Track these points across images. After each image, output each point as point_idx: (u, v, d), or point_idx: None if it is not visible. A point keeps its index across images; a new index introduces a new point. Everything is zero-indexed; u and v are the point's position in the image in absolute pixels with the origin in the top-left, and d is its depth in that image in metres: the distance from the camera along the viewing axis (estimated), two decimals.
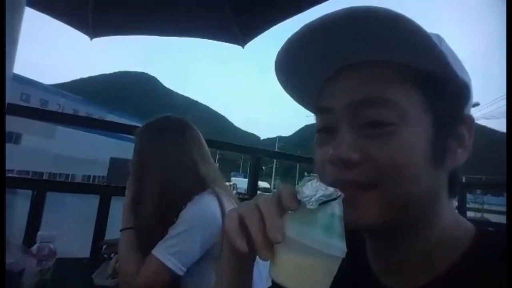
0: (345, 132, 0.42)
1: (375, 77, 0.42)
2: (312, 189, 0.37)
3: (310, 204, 0.37)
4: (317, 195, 0.37)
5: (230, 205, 1.12)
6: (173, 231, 1.03)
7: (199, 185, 1.12)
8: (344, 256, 0.36)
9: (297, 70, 0.47)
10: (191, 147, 1.17)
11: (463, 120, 0.44)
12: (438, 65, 0.40)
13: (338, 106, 0.43)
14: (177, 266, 0.99)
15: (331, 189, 0.37)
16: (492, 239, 0.44)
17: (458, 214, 0.47)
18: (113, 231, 1.78)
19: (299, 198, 0.38)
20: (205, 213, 1.05)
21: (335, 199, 0.37)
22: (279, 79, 0.50)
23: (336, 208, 0.37)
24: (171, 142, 1.16)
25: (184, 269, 1.00)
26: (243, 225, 0.40)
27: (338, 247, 0.36)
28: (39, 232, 1.08)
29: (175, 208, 1.08)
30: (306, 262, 0.36)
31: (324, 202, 0.37)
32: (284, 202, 0.39)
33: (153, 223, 1.08)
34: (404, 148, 0.40)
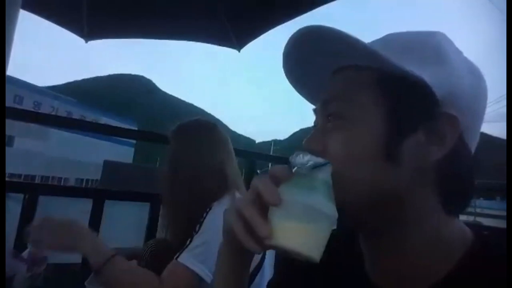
0: (316, 128, 0.49)
1: (341, 80, 0.48)
2: (305, 159, 0.41)
3: (304, 170, 0.40)
4: (309, 164, 0.40)
5: None
6: (198, 239, 1.03)
7: (221, 190, 1.14)
8: (336, 221, 0.38)
9: (299, 76, 0.54)
10: (219, 149, 1.21)
11: (440, 117, 0.43)
12: (384, 65, 0.42)
13: (317, 107, 0.50)
14: (205, 273, 0.99)
15: (320, 159, 0.41)
16: (490, 243, 0.44)
17: (455, 218, 0.47)
18: (106, 236, 1.76)
19: (293, 170, 0.41)
20: None
21: (325, 164, 0.41)
22: (288, 80, 0.55)
23: (327, 174, 0.40)
24: (200, 146, 1.19)
25: (211, 276, 1.00)
26: (243, 219, 0.41)
27: (332, 208, 0.38)
28: None
29: (198, 215, 1.08)
30: (302, 220, 0.37)
31: (316, 167, 0.40)
32: (277, 174, 0.41)
33: (184, 230, 1.09)
34: (353, 141, 0.43)
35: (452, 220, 0.46)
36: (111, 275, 0.99)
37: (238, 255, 0.50)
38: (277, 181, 0.41)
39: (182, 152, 1.20)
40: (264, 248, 0.39)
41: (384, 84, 0.44)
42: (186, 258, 1.00)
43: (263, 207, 0.40)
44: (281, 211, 0.38)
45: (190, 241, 1.03)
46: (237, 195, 1.15)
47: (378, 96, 0.44)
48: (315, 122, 0.51)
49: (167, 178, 1.20)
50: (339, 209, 0.39)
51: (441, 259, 0.43)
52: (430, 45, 0.46)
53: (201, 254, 1.00)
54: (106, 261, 0.97)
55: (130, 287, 1.01)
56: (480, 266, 0.41)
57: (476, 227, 0.47)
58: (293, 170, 0.41)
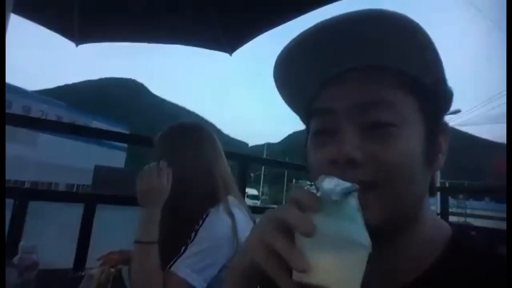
0: (348, 132, 0.42)
1: (377, 81, 0.43)
2: (332, 183, 0.37)
3: (334, 196, 0.36)
4: (338, 189, 0.36)
5: (243, 216, 1.11)
6: (193, 248, 1.00)
7: (214, 194, 1.11)
8: (371, 250, 0.35)
9: (295, 72, 0.47)
10: (205, 153, 1.16)
11: (442, 128, 0.47)
12: (433, 75, 0.43)
13: (340, 107, 0.44)
14: (199, 282, 0.97)
15: (348, 183, 0.37)
16: (468, 239, 0.46)
17: (435, 215, 0.49)
18: (97, 240, 1.74)
19: (318, 195, 0.37)
20: (223, 231, 1.03)
21: (355, 190, 0.37)
22: (276, 80, 0.50)
23: (357, 200, 0.37)
24: (186, 149, 1.15)
25: (205, 285, 0.98)
26: (273, 253, 0.36)
27: (368, 237, 0.35)
28: (21, 243, 1.05)
29: (191, 221, 1.05)
30: (339, 252, 0.33)
31: (347, 194, 0.36)
32: (305, 201, 0.37)
33: (170, 236, 1.06)
34: (404, 148, 0.41)
35: (434, 216, 0.49)
36: (140, 255, 1.00)
37: (256, 284, 0.44)
38: (303, 208, 0.36)
39: (165, 156, 1.15)
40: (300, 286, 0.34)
41: (420, 90, 0.44)
42: (179, 268, 0.96)
43: (290, 237, 0.36)
44: (314, 243, 0.34)
45: (185, 250, 1.00)
46: (231, 199, 1.12)
47: (416, 102, 0.44)
48: (323, 124, 0.46)
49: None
50: (371, 231, 0.35)
51: (425, 254, 0.44)
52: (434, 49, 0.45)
53: (195, 264, 0.97)
54: (147, 242, 1.00)
55: (143, 276, 0.99)
56: (455, 262, 0.42)
57: (463, 227, 0.49)
58: (318, 194, 0.37)
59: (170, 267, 0.97)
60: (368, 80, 0.43)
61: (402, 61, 0.42)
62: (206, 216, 1.05)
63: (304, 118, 0.54)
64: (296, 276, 0.34)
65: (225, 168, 1.22)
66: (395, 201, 0.41)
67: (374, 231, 0.35)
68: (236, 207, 1.11)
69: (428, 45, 0.41)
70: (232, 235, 1.03)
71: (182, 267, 0.97)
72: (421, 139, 0.43)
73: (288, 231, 0.36)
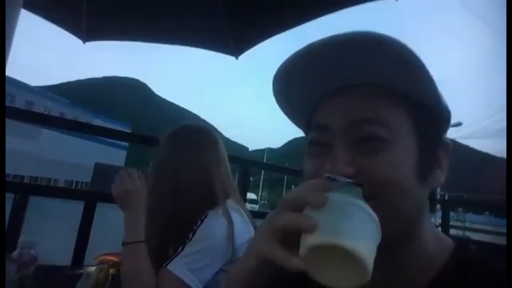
0: (341, 148, 0.44)
1: (369, 99, 0.45)
2: (340, 178, 0.40)
3: (346, 181, 0.39)
4: (348, 180, 0.40)
5: (241, 221, 1.12)
6: (190, 247, 1.00)
7: (213, 198, 1.11)
8: (380, 236, 0.35)
9: (294, 88, 0.49)
10: (205, 156, 1.17)
11: (442, 145, 0.48)
12: (426, 92, 0.44)
13: (334, 125, 0.46)
14: (195, 283, 0.96)
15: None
16: (470, 254, 0.46)
17: (437, 229, 0.50)
18: (96, 238, 1.74)
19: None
20: (221, 233, 1.04)
21: (360, 186, 0.39)
22: (275, 94, 0.51)
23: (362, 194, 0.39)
24: (185, 152, 1.15)
25: (201, 286, 0.98)
26: (279, 234, 0.37)
27: (377, 218, 0.35)
28: (20, 238, 1.05)
29: (189, 222, 1.06)
30: (352, 217, 0.34)
31: (356, 184, 0.39)
32: (320, 184, 0.39)
33: (168, 237, 1.07)
34: (396, 162, 0.42)
35: (436, 231, 0.49)
36: (127, 256, 1.03)
37: (262, 281, 0.43)
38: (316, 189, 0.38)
39: (167, 157, 1.17)
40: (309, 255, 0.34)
41: (413, 107, 0.45)
42: (176, 266, 0.97)
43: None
44: (325, 212, 0.34)
45: (182, 249, 1.00)
46: (230, 203, 1.12)
47: (409, 120, 0.45)
48: (318, 138, 0.48)
49: (149, 185, 1.16)
50: None
51: (426, 268, 0.45)
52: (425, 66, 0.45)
53: (192, 263, 0.97)
54: (134, 242, 1.03)
55: (133, 275, 1.01)
56: (457, 276, 0.43)
57: (463, 241, 0.49)
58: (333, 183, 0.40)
59: (166, 265, 0.98)
60: (360, 98, 0.45)
61: (396, 80, 0.44)
62: (205, 217, 1.05)
63: (303, 130, 0.56)
64: (305, 245, 0.34)
65: (226, 172, 1.22)
66: (390, 213, 0.41)
67: None
68: (235, 211, 1.11)
69: (421, 68, 0.41)
70: (229, 238, 1.03)
71: (178, 266, 0.97)
72: (414, 154, 0.44)
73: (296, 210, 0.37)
